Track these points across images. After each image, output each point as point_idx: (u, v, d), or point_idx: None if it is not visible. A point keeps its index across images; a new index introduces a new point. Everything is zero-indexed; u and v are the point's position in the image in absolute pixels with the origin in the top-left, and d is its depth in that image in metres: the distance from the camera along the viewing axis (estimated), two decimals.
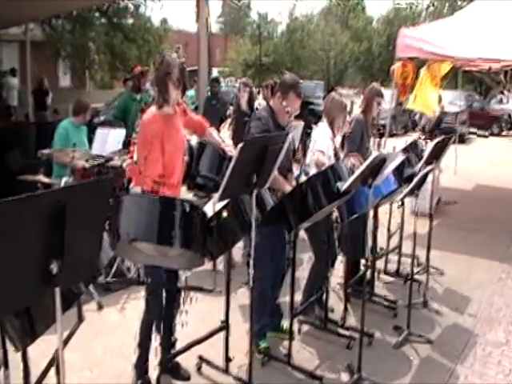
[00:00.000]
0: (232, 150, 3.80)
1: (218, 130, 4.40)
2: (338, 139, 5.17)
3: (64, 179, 5.42)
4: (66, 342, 2.79)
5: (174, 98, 3.66)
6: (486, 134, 23.54)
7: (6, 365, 2.59)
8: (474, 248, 7.32)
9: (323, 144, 4.85)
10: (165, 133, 3.64)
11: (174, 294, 4.05)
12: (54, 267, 1.93)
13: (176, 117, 3.80)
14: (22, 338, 2.49)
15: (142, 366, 3.88)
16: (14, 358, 2.64)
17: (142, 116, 3.86)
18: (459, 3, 41.13)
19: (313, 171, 4.65)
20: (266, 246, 4.29)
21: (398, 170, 5.08)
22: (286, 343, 4.39)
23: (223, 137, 5.01)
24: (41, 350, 2.93)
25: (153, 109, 3.71)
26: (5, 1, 11.90)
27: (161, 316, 3.88)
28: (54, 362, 2.78)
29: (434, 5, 45.15)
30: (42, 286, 1.96)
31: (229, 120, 8.61)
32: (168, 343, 4.03)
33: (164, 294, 3.85)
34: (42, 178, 5.66)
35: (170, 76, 3.59)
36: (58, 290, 1.99)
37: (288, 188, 4.18)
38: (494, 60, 9.47)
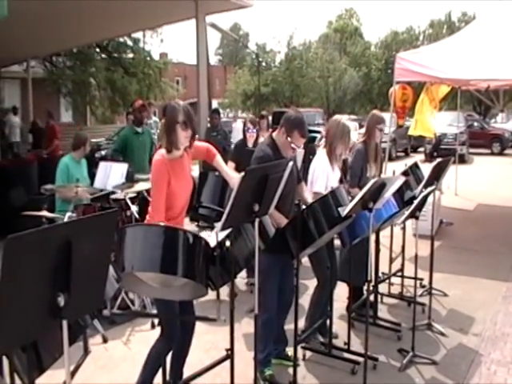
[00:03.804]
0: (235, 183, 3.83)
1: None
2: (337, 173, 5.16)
3: (68, 214, 5.48)
4: (72, 375, 2.83)
5: (183, 140, 3.72)
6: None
7: None
8: (477, 268, 7.34)
9: (321, 182, 4.87)
10: (172, 176, 3.70)
11: (191, 326, 4.06)
12: (61, 300, 1.98)
13: (183, 159, 3.85)
14: (29, 371, 2.52)
15: None
16: None
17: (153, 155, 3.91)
18: (457, 25, 41.68)
19: None
20: (274, 273, 4.33)
21: (399, 193, 5.14)
22: (290, 370, 4.39)
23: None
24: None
25: (163, 151, 3.78)
26: (6, 39, 12.11)
27: (174, 348, 3.90)
28: None
29: (432, 26, 45.69)
30: (49, 318, 2.00)
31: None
32: (177, 375, 4.02)
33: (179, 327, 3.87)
34: (45, 213, 5.72)
35: (177, 121, 3.67)
36: (65, 323, 2.04)
37: (283, 222, 4.20)
38: (491, 80, 9.58)
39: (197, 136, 3.92)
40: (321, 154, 5.08)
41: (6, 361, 2.56)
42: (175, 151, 3.75)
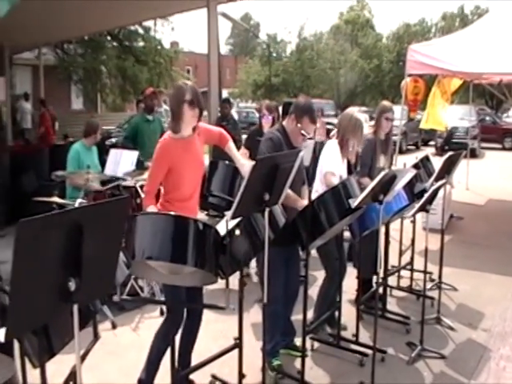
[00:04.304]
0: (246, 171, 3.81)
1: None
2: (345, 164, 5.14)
3: (78, 201, 5.49)
4: (81, 359, 2.84)
5: (190, 119, 3.72)
6: None
7: (24, 382, 2.64)
8: (487, 263, 7.30)
9: (332, 164, 4.87)
10: (178, 156, 3.71)
11: (198, 313, 4.09)
12: (72, 285, 1.98)
13: (193, 139, 3.85)
14: (39, 354, 2.53)
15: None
16: (32, 375, 2.69)
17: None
18: (470, 18, 41.41)
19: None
20: (279, 263, 4.32)
21: (409, 186, 5.12)
22: (298, 360, 4.40)
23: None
24: (55, 368, 2.98)
25: (169, 132, 3.79)
26: (18, 26, 12.11)
27: (182, 336, 3.93)
28: (71, 379, 2.83)
29: (444, 19, 45.39)
30: (60, 303, 2.01)
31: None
32: (185, 362, 4.04)
33: (185, 313, 3.89)
34: (56, 199, 5.74)
35: (184, 99, 3.67)
36: (75, 307, 2.04)
37: (301, 203, 4.19)
38: (504, 74, 9.51)
39: (205, 116, 3.90)
40: (332, 143, 5.06)
41: (16, 344, 2.57)
42: (182, 131, 3.75)
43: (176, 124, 3.73)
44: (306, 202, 4.13)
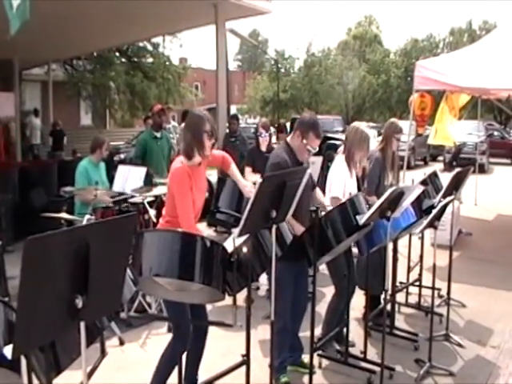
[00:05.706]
0: (250, 191, 3.84)
1: (240, 170, 4.50)
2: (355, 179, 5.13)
3: (86, 217, 5.51)
4: (89, 376, 2.83)
5: (207, 148, 3.78)
6: None
7: None
8: (496, 279, 7.25)
9: (338, 188, 4.87)
10: (192, 182, 3.77)
11: (204, 330, 4.08)
12: (79, 302, 1.99)
13: (201, 166, 3.93)
14: (46, 371, 2.53)
15: None
16: None
17: (171, 164, 3.96)
18: (478, 33, 41.44)
19: None
20: (288, 280, 4.32)
21: (417, 202, 5.10)
22: (306, 377, 4.37)
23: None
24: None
25: (182, 158, 3.81)
26: (28, 42, 12.25)
27: (188, 353, 3.92)
28: None
29: (452, 34, 45.48)
30: (67, 320, 2.02)
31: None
32: (193, 379, 4.04)
33: (191, 330, 3.89)
34: (64, 215, 5.76)
35: (204, 130, 3.73)
36: (82, 325, 2.05)
37: (298, 229, 4.20)
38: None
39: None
40: (339, 159, 5.07)
41: (23, 360, 2.57)
42: (195, 158, 3.78)
43: (192, 151, 3.77)
44: (302, 229, 4.16)
